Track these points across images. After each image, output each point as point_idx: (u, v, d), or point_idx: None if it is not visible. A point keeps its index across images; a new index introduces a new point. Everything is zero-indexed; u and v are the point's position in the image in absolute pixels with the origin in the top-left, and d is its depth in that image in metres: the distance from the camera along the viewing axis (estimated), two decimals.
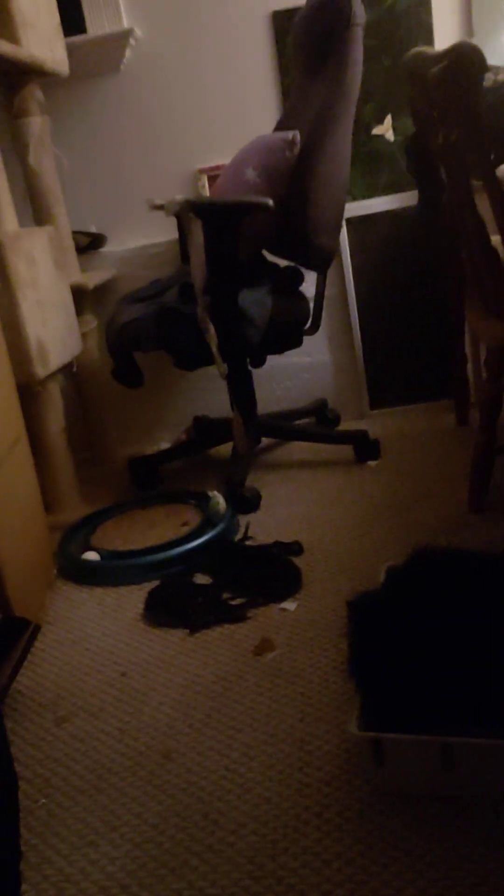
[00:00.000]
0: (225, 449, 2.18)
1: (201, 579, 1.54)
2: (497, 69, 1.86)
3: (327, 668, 1.22)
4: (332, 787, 0.99)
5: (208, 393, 2.35)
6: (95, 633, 1.44)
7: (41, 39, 1.90)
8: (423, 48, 1.54)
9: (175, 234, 2.19)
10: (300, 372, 2.33)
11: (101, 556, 1.64)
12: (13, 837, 0.65)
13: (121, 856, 0.95)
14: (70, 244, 2.10)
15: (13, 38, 1.78)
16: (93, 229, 2.27)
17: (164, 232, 2.24)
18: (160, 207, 1.93)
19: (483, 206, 1.39)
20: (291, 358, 2.29)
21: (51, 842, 0.99)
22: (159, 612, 1.44)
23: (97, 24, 2.12)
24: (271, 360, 2.25)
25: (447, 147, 1.31)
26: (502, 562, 1.08)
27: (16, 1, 1.77)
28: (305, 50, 1.89)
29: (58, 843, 0.99)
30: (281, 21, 2.10)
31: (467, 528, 1.56)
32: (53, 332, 1.80)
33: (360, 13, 1.75)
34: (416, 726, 0.93)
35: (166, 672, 1.28)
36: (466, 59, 1.18)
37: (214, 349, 1.70)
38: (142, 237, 2.28)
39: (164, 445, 2.34)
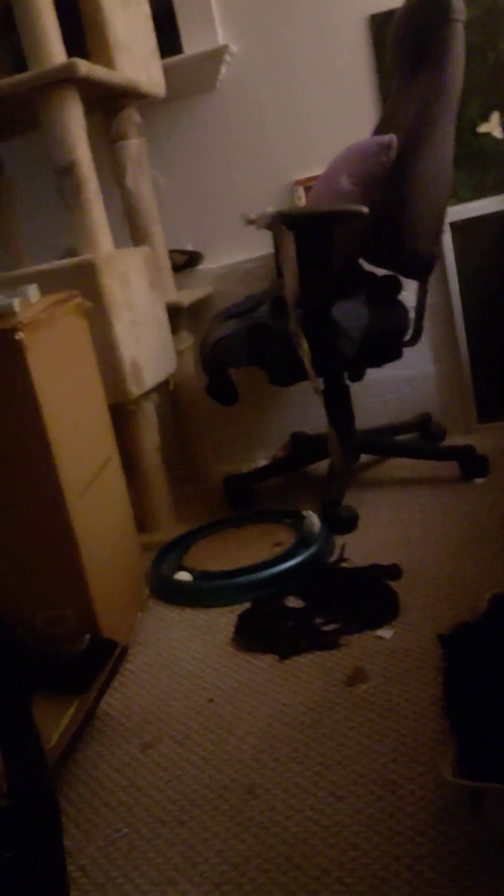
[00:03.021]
0: (324, 466, 2.12)
1: (293, 602, 1.49)
2: None
3: (424, 703, 1.14)
4: (426, 836, 0.91)
5: (307, 408, 2.30)
6: (185, 656, 1.41)
7: (137, 62, 1.92)
8: None
9: (271, 249, 2.16)
10: (402, 385, 2.24)
11: (193, 577, 1.61)
12: (57, 873, 0.62)
13: None
14: (166, 263, 2.11)
15: (108, 62, 1.80)
16: (189, 247, 2.28)
17: (259, 247, 2.22)
18: (254, 222, 1.91)
19: None
20: (392, 371, 2.21)
21: (131, 876, 0.96)
22: (249, 637, 1.40)
23: (193, 43, 2.13)
24: (371, 373, 2.18)
25: None
26: None
27: (111, 24, 1.80)
28: (404, 49, 1.82)
29: (137, 878, 0.95)
30: (378, 24, 2.04)
31: None
32: (148, 351, 1.81)
33: (459, 8, 1.66)
34: None
35: (254, 700, 1.24)
36: None
37: (307, 364, 1.65)
38: (238, 253, 2.26)
39: (262, 463, 2.31)
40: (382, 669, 1.24)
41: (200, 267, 2.27)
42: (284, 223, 1.61)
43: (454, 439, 2.17)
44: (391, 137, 1.67)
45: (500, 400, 2.18)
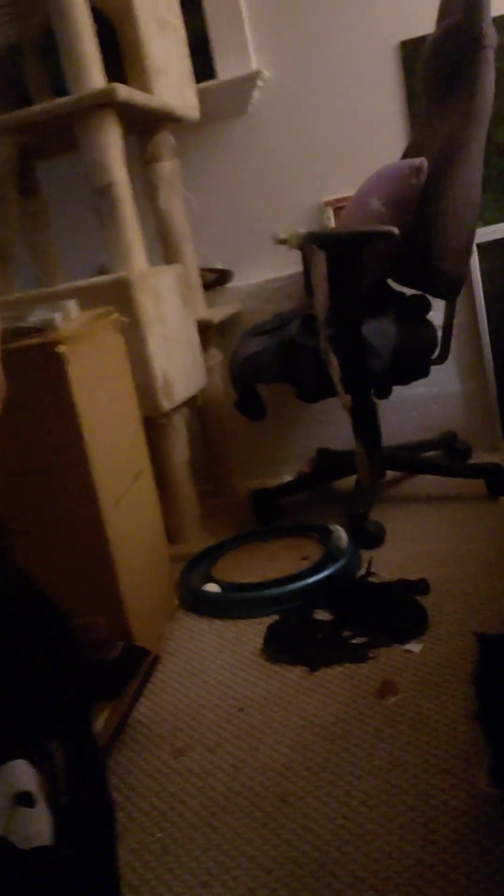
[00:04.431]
0: (349, 482, 2.14)
1: (321, 615, 1.50)
2: None
3: (454, 715, 1.15)
4: (460, 846, 0.92)
5: (332, 425, 2.32)
6: (214, 665, 1.42)
7: (173, 87, 1.98)
8: None
9: (299, 268, 2.19)
10: (428, 403, 2.26)
11: (222, 588, 1.63)
12: (110, 870, 0.63)
13: None
14: (197, 281, 2.15)
15: (146, 87, 1.86)
16: (219, 266, 2.32)
17: (288, 266, 2.25)
18: (284, 241, 1.95)
19: None
20: (419, 389, 2.22)
21: (164, 878, 0.97)
22: (278, 648, 1.41)
23: (227, 68, 2.19)
24: (397, 390, 2.19)
25: None
26: None
27: (149, 51, 1.86)
28: (435, 75, 1.86)
29: (171, 881, 0.97)
30: (409, 50, 2.09)
31: None
32: (179, 366, 1.84)
33: (491, 35, 1.70)
34: None
35: (284, 710, 1.25)
36: None
37: (337, 381, 1.68)
38: (267, 271, 2.30)
39: (287, 478, 2.33)
40: (412, 683, 1.25)
41: (230, 285, 2.31)
42: (316, 243, 1.64)
43: (479, 457, 2.18)
44: (421, 160, 1.71)
45: None
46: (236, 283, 2.32)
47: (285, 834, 1.00)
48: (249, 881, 0.94)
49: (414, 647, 1.34)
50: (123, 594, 1.33)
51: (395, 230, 1.60)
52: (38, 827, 0.56)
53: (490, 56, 1.72)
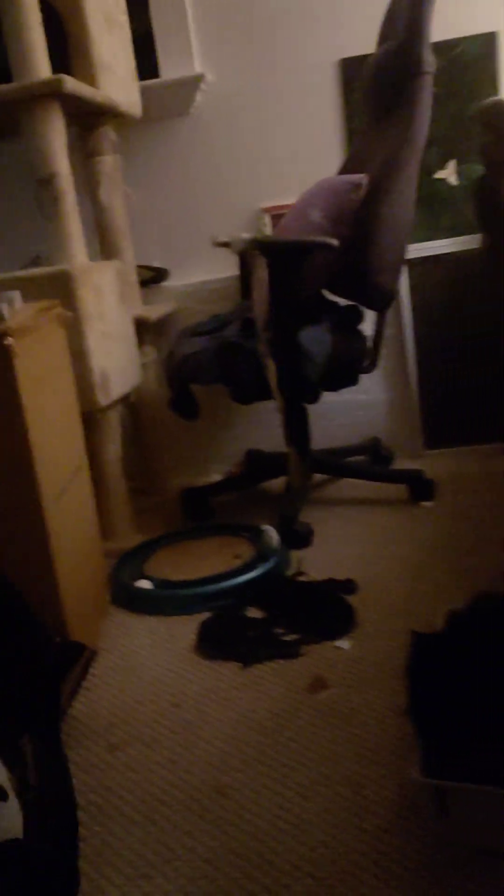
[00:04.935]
0: (277, 483, 2.19)
1: (253, 613, 1.54)
2: None
3: (383, 709, 1.21)
4: (392, 834, 0.97)
5: (262, 427, 2.36)
6: (148, 662, 1.44)
7: (117, 83, 1.97)
8: (501, 98, 1.56)
9: (235, 271, 2.22)
10: (355, 409, 2.33)
11: (154, 585, 1.65)
12: (72, 861, 0.65)
13: (174, 890, 0.94)
14: (134, 278, 2.15)
15: (91, 81, 1.85)
16: (156, 264, 2.32)
17: (224, 268, 2.28)
18: (225, 244, 1.98)
19: None
20: (347, 395, 2.30)
21: (105, 871, 0.99)
22: (211, 645, 1.44)
23: (170, 69, 2.20)
24: (326, 396, 2.25)
25: None
26: None
27: (95, 47, 1.85)
28: (374, 95, 1.93)
29: (112, 874, 0.98)
30: (349, 68, 2.15)
31: None
32: (116, 362, 1.84)
33: (430, 61, 1.78)
34: (487, 775, 0.91)
35: (219, 705, 1.28)
36: None
37: (273, 384, 1.72)
38: (203, 273, 2.32)
39: (217, 477, 2.36)
40: (342, 678, 1.30)
41: (166, 284, 2.32)
42: (259, 249, 1.68)
43: (401, 463, 2.27)
44: (362, 177, 1.77)
45: (446, 428, 2.30)
46: (172, 282, 2.33)
47: (223, 825, 1.03)
48: (190, 871, 0.96)
49: (343, 643, 1.39)
50: (61, 589, 1.33)
51: (336, 242, 1.66)
52: (9, 820, 0.57)
53: (429, 81, 1.79)
